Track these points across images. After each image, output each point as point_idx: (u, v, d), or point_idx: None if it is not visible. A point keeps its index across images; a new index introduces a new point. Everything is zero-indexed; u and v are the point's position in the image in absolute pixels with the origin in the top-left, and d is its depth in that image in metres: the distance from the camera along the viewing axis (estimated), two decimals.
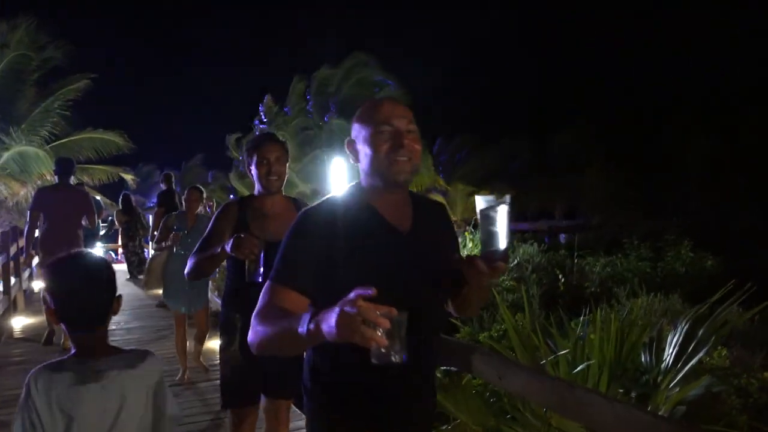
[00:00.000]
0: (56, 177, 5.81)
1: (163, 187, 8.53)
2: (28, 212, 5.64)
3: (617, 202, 26.09)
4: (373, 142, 1.39)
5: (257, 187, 2.42)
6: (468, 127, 29.50)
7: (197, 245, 2.44)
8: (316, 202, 1.47)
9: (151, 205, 21.43)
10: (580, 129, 28.94)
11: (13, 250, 7.65)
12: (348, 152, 1.49)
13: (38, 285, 9.96)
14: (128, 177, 15.48)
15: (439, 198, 23.89)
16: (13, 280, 7.56)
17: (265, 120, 18.64)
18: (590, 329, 3.02)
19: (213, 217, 2.48)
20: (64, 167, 5.79)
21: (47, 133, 13.01)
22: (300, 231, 1.42)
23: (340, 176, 10.22)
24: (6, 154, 12.22)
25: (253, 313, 1.35)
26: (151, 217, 12.01)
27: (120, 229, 11.04)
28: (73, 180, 6.44)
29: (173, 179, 8.82)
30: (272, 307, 1.33)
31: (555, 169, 28.21)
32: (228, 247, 2.17)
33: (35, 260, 10.12)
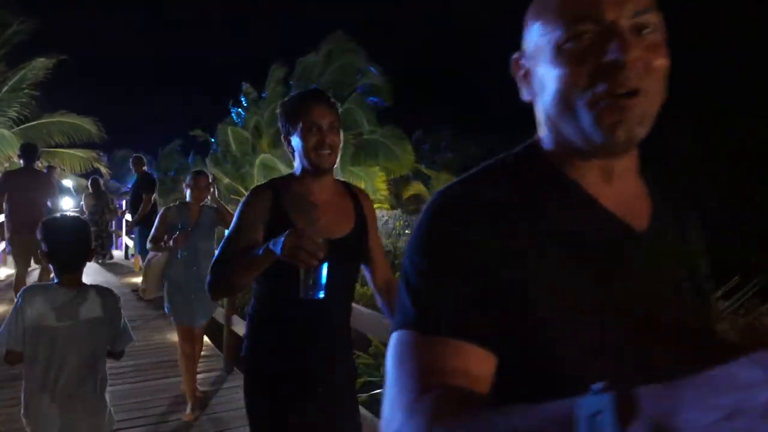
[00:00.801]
0: (21, 161, 6.26)
1: (137, 171, 7.97)
2: None
3: None
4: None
5: (299, 165, 1.78)
6: (450, 117, 29.31)
7: (220, 248, 1.73)
8: (452, 182, 0.77)
9: (127, 190, 21.07)
10: None
11: None
12: None
13: (5, 272, 9.58)
14: (101, 167, 14.99)
15: (421, 186, 23.87)
16: None
17: (245, 105, 18.24)
18: None
19: (239, 208, 1.76)
20: (27, 152, 6.24)
21: (16, 114, 12.50)
22: (447, 240, 0.71)
23: None
24: None
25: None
26: (124, 203, 11.68)
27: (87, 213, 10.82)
28: (40, 165, 6.92)
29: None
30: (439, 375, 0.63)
31: None
32: (277, 249, 1.48)
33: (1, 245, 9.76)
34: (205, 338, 4.77)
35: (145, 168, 8.03)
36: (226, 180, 15.99)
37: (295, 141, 1.73)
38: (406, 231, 10.97)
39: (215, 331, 5.35)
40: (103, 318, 2.18)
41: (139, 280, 7.60)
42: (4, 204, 5.85)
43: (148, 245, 3.91)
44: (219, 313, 5.09)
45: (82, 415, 2.09)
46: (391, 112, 19.25)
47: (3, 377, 4.08)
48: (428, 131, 27.13)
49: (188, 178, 3.98)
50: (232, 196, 16.60)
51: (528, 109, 0.81)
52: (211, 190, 4.14)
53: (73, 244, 2.17)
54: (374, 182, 16.95)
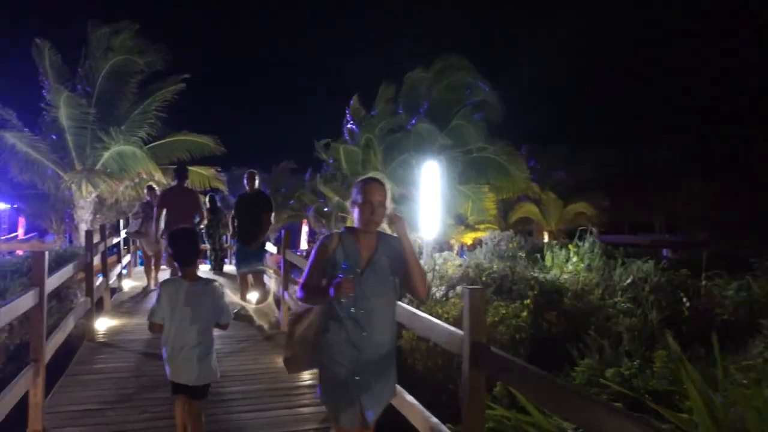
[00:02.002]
0: (175, 180, 7.85)
1: (250, 187, 7.26)
2: (155, 208, 7.69)
3: (722, 216, 23.61)
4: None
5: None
6: (561, 135, 27.77)
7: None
8: None
9: None
10: (676, 137, 26.45)
11: (101, 249, 7.52)
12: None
13: (129, 284, 10.06)
14: (219, 185, 15.59)
15: (532, 207, 22.62)
16: (100, 279, 7.47)
17: (352, 122, 18.34)
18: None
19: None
20: (180, 173, 7.81)
21: (145, 135, 13.32)
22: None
23: (431, 181, 9.56)
24: (106, 154, 12.59)
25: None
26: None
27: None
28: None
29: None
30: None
31: (650, 180, 25.94)
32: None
33: (126, 258, 10.32)
34: None
35: (257, 184, 7.81)
36: (336, 198, 16.05)
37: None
38: (520, 253, 10.20)
39: None
40: (212, 300, 3.18)
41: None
42: (162, 216, 7.31)
43: (298, 295, 2.58)
44: None
45: (196, 363, 3.13)
46: (501, 129, 18.50)
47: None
48: (541, 147, 25.73)
49: (355, 189, 2.59)
50: (340, 214, 16.66)
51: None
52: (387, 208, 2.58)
53: (188, 247, 3.24)
54: (482, 202, 16.24)
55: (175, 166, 13.77)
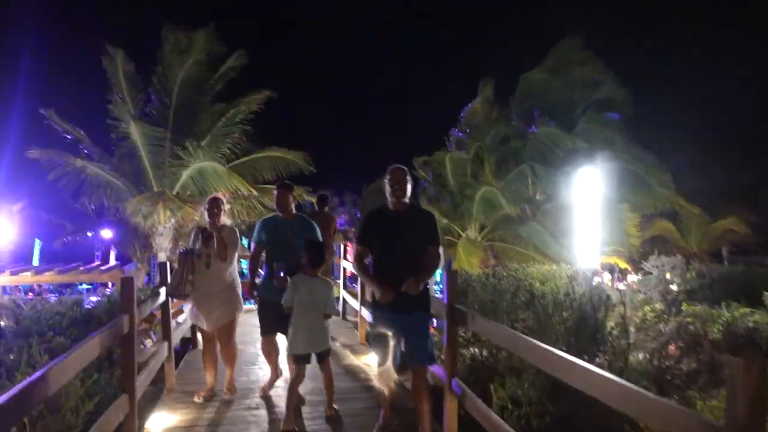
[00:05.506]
0: (316, 205, 7.80)
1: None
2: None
3: None
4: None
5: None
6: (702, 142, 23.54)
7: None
8: None
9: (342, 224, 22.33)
10: None
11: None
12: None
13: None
14: (312, 199, 13.83)
15: (668, 224, 19.00)
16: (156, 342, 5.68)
17: (458, 132, 16.08)
18: None
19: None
20: (321, 200, 7.73)
21: (228, 151, 11.79)
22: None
23: (588, 189, 7.18)
24: (185, 173, 11.09)
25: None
26: None
27: None
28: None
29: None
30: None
31: None
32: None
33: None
34: None
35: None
36: (444, 221, 13.64)
37: (387, 190, 3.74)
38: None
39: None
40: (325, 292, 4.21)
41: None
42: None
43: None
44: None
45: (318, 336, 4.20)
46: (632, 130, 15.53)
47: None
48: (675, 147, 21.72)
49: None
50: (446, 237, 14.24)
51: None
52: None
53: (315, 254, 4.23)
54: (622, 224, 13.28)
55: (261, 186, 12.20)
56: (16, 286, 16.23)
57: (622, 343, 4.75)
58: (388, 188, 3.75)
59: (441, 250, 4.25)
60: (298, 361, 4.13)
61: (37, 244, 22.58)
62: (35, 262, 20.98)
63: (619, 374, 3.38)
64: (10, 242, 17.41)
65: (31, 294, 16.30)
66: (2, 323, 5.79)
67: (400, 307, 3.62)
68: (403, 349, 3.70)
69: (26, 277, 11.15)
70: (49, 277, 11.34)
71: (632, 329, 5.31)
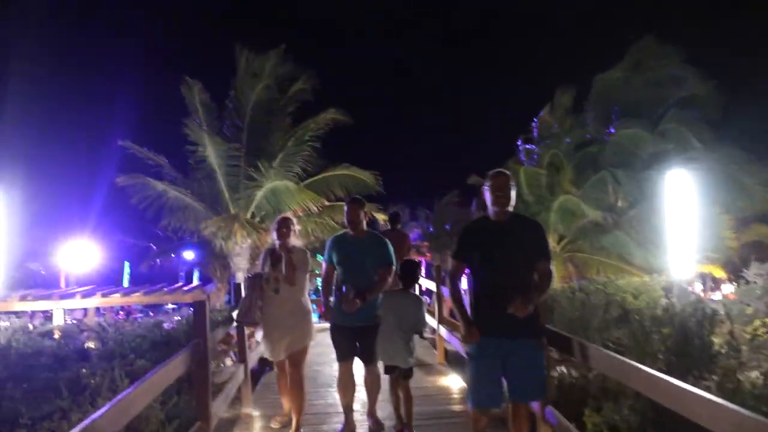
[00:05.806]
0: (389, 224, 7.88)
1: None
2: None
3: None
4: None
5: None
6: None
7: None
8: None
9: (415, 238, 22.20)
10: None
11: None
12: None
13: None
14: (381, 217, 13.76)
15: (766, 229, 17.45)
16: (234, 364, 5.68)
17: (521, 143, 15.54)
18: None
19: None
20: (393, 218, 7.81)
21: (300, 170, 11.94)
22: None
23: (678, 192, 6.67)
24: (259, 193, 11.30)
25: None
26: None
27: None
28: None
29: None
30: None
31: None
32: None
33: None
34: None
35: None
36: None
37: (488, 198, 3.33)
38: None
39: None
40: (415, 308, 4.39)
41: None
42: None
43: None
44: None
45: (401, 351, 4.28)
46: (720, 127, 14.40)
47: None
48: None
49: None
50: None
51: None
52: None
53: (407, 272, 4.53)
54: (718, 230, 12.27)
55: (331, 204, 12.25)
56: (111, 307, 17.17)
57: (732, 362, 4.24)
58: (488, 196, 3.28)
59: (552, 266, 3.51)
60: (386, 371, 4.40)
61: (127, 267, 23.88)
62: (125, 283, 22.18)
63: (731, 398, 2.97)
64: (101, 265, 18.42)
65: (121, 313, 17.15)
66: (91, 345, 5.99)
67: (503, 332, 3.10)
68: (505, 381, 3.17)
69: (115, 299, 11.59)
70: (135, 299, 11.76)
71: (744, 347, 4.74)
